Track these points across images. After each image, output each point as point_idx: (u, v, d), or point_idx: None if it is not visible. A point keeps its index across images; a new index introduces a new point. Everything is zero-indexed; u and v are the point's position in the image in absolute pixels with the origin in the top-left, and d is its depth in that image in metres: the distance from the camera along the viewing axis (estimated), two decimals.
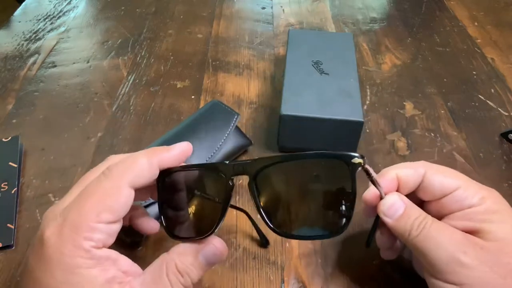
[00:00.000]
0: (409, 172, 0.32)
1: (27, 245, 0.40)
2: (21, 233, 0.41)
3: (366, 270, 0.38)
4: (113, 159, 0.31)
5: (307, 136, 0.46)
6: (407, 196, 0.32)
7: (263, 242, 0.39)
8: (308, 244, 0.40)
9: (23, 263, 0.39)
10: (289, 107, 0.45)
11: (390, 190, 0.32)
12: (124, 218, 0.29)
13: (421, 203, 0.33)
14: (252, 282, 0.37)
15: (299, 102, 0.45)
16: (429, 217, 0.29)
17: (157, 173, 0.29)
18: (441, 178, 0.31)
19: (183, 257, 0.28)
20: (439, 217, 0.31)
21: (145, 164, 0.28)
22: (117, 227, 0.27)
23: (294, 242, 0.40)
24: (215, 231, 0.28)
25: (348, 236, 0.41)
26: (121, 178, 0.27)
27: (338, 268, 0.38)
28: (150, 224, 0.34)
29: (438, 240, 0.28)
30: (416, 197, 0.33)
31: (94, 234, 0.25)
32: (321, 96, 0.46)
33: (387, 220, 0.30)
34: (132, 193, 0.27)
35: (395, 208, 0.30)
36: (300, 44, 0.55)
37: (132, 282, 0.26)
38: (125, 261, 0.27)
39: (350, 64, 0.51)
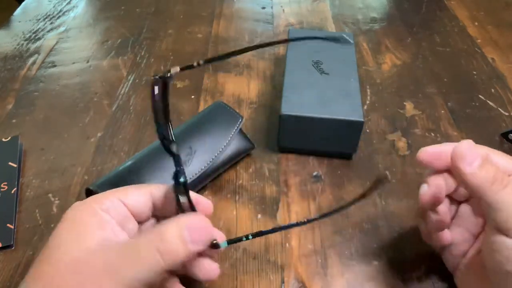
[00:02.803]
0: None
1: (27, 245, 0.40)
2: (21, 233, 0.41)
3: (366, 270, 0.38)
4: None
5: (307, 136, 0.46)
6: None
7: None
8: (308, 244, 0.40)
9: (23, 262, 0.39)
10: (289, 107, 0.45)
11: (441, 164, 0.31)
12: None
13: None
14: (252, 282, 0.37)
15: (299, 102, 0.45)
16: (508, 175, 0.29)
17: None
18: (504, 157, 0.31)
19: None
20: None
21: (164, 186, 0.32)
22: (126, 212, 0.31)
23: (294, 242, 0.40)
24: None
25: (348, 237, 0.41)
26: (145, 187, 0.32)
27: (338, 268, 0.38)
28: (208, 268, 0.31)
29: None
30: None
31: (104, 202, 0.30)
32: (321, 96, 0.46)
33: (466, 168, 0.28)
34: (150, 200, 0.32)
35: (471, 158, 0.28)
36: (300, 43, 0.55)
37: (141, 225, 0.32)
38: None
39: (350, 64, 0.51)
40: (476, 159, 0.28)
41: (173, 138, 0.29)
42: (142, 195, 0.31)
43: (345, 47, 0.54)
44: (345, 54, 0.53)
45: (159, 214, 0.33)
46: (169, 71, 0.27)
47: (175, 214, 0.33)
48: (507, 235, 0.28)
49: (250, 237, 0.30)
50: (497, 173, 0.28)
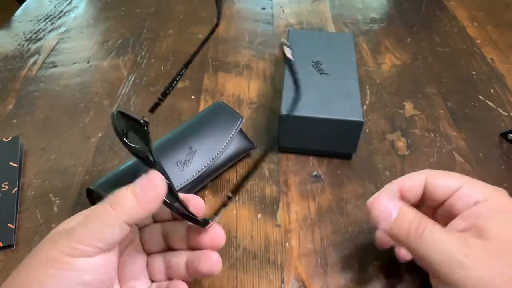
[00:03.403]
0: (410, 180, 0.33)
1: (28, 245, 0.40)
2: (22, 233, 0.41)
3: (366, 270, 0.38)
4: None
5: (307, 136, 0.46)
6: (419, 208, 0.31)
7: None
8: (308, 244, 0.40)
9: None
10: (289, 107, 0.45)
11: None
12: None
13: (433, 213, 0.34)
14: (252, 282, 0.37)
15: (299, 102, 0.45)
16: (426, 218, 0.29)
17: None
18: (444, 179, 0.32)
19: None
20: (450, 220, 0.31)
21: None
22: None
23: (294, 242, 0.40)
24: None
25: (348, 236, 0.41)
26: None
27: (338, 268, 0.38)
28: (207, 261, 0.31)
29: (438, 243, 0.28)
30: (426, 208, 0.33)
31: None
32: (321, 96, 0.46)
33: (382, 226, 0.30)
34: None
35: (388, 213, 0.29)
36: (300, 44, 0.55)
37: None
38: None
39: (350, 64, 0.51)
40: (391, 214, 0.29)
41: (155, 158, 0.29)
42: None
43: (345, 47, 0.54)
44: (345, 55, 0.53)
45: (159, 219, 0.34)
46: (143, 117, 0.30)
47: (171, 215, 0.33)
48: (438, 279, 0.28)
49: (230, 194, 0.30)
50: (412, 222, 0.28)
